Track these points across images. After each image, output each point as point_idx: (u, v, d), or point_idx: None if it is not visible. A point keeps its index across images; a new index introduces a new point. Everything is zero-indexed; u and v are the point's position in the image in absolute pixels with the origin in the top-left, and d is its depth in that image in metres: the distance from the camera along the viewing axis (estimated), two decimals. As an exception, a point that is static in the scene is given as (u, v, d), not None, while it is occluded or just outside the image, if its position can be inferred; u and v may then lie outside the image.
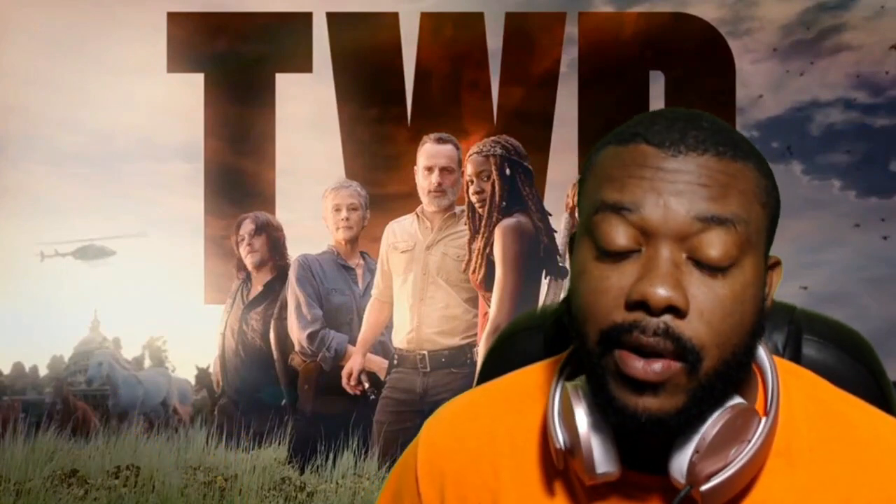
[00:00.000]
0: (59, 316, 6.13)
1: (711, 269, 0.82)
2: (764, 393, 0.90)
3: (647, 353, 0.81)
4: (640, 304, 0.81)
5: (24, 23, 5.94)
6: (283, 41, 5.76)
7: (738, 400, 0.85)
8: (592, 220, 0.84)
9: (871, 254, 5.89)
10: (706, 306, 0.81)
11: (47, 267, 6.04)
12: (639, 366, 0.81)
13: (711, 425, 0.83)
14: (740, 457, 0.84)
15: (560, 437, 0.88)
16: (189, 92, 5.72)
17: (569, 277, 0.92)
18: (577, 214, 0.97)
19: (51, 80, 6.04)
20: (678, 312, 0.81)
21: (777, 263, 0.89)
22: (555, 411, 0.89)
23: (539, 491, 0.92)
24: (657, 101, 5.67)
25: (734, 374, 0.84)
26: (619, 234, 0.83)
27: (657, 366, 0.81)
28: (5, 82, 5.94)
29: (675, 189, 0.82)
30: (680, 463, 0.84)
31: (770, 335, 1.03)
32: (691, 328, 0.81)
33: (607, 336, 0.82)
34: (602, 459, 0.86)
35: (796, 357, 1.03)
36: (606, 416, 0.84)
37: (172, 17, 5.72)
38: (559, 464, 0.89)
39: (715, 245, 0.81)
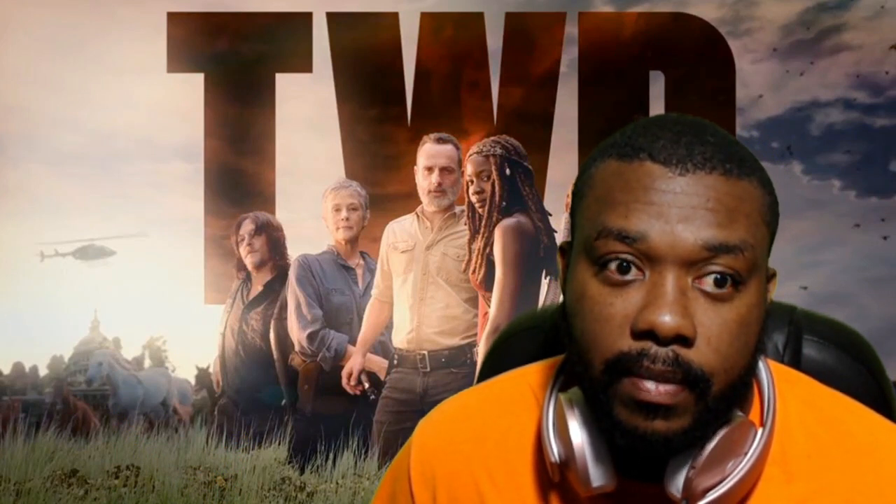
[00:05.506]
0: (59, 316, 6.13)
1: (718, 295, 0.81)
2: (760, 401, 0.89)
3: (657, 380, 0.80)
4: (647, 334, 0.79)
5: (24, 23, 5.94)
6: (283, 41, 5.75)
7: (737, 413, 0.85)
8: (594, 244, 0.82)
9: (871, 254, 5.89)
10: (713, 333, 0.80)
11: (47, 267, 6.04)
12: (651, 387, 0.80)
13: (708, 440, 0.83)
14: (737, 471, 0.83)
15: (555, 451, 0.87)
16: (189, 92, 5.72)
17: (562, 292, 0.90)
18: (569, 224, 0.91)
19: (51, 80, 6.04)
20: (686, 341, 0.79)
21: (773, 275, 0.88)
22: (549, 424, 0.89)
23: (533, 501, 0.92)
24: (657, 101, 5.67)
25: (739, 394, 0.84)
26: (624, 261, 0.81)
27: (668, 387, 0.80)
28: (5, 82, 5.95)
29: (683, 214, 0.80)
30: (676, 477, 0.83)
31: (770, 335, 1.02)
32: (700, 356, 0.80)
33: (613, 366, 0.81)
34: (597, 472, 0.85)
35: (796, 357, 1.03)
36: (613, 438, 0.83)
37: (172, 17, 5.72)
38: (555, 477, 0.88)
39: (722, 273, 0.80)
